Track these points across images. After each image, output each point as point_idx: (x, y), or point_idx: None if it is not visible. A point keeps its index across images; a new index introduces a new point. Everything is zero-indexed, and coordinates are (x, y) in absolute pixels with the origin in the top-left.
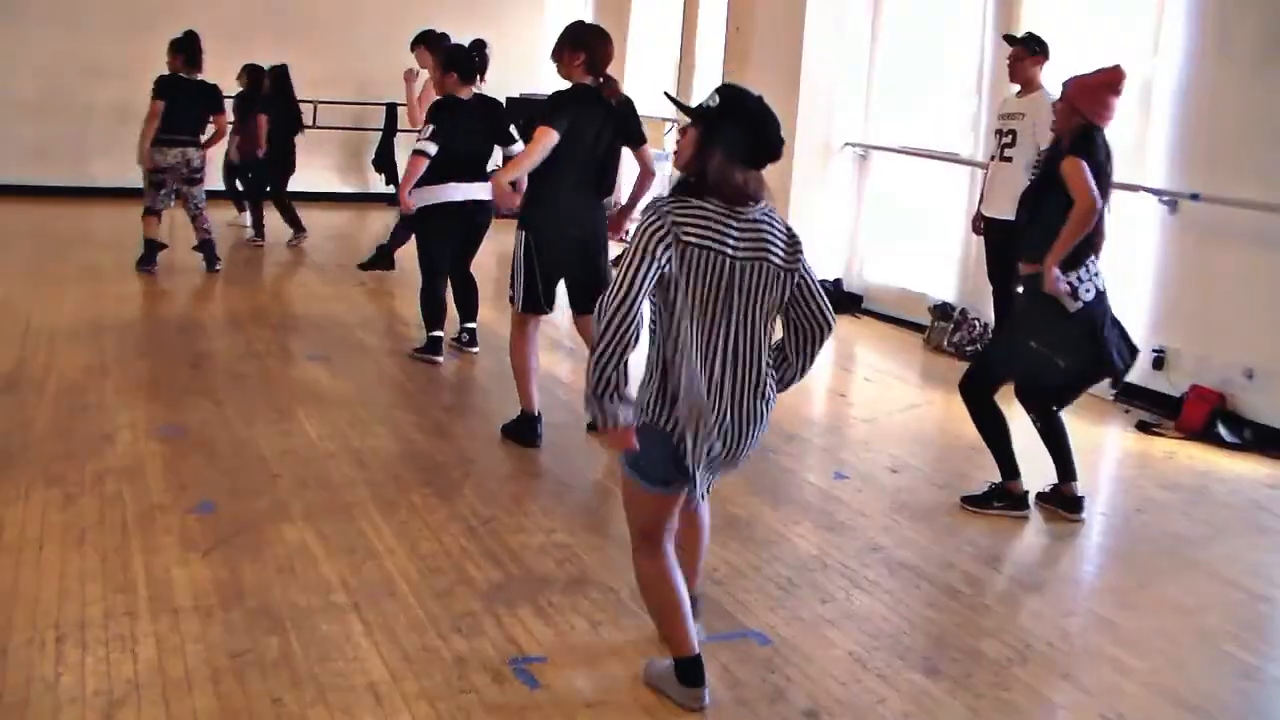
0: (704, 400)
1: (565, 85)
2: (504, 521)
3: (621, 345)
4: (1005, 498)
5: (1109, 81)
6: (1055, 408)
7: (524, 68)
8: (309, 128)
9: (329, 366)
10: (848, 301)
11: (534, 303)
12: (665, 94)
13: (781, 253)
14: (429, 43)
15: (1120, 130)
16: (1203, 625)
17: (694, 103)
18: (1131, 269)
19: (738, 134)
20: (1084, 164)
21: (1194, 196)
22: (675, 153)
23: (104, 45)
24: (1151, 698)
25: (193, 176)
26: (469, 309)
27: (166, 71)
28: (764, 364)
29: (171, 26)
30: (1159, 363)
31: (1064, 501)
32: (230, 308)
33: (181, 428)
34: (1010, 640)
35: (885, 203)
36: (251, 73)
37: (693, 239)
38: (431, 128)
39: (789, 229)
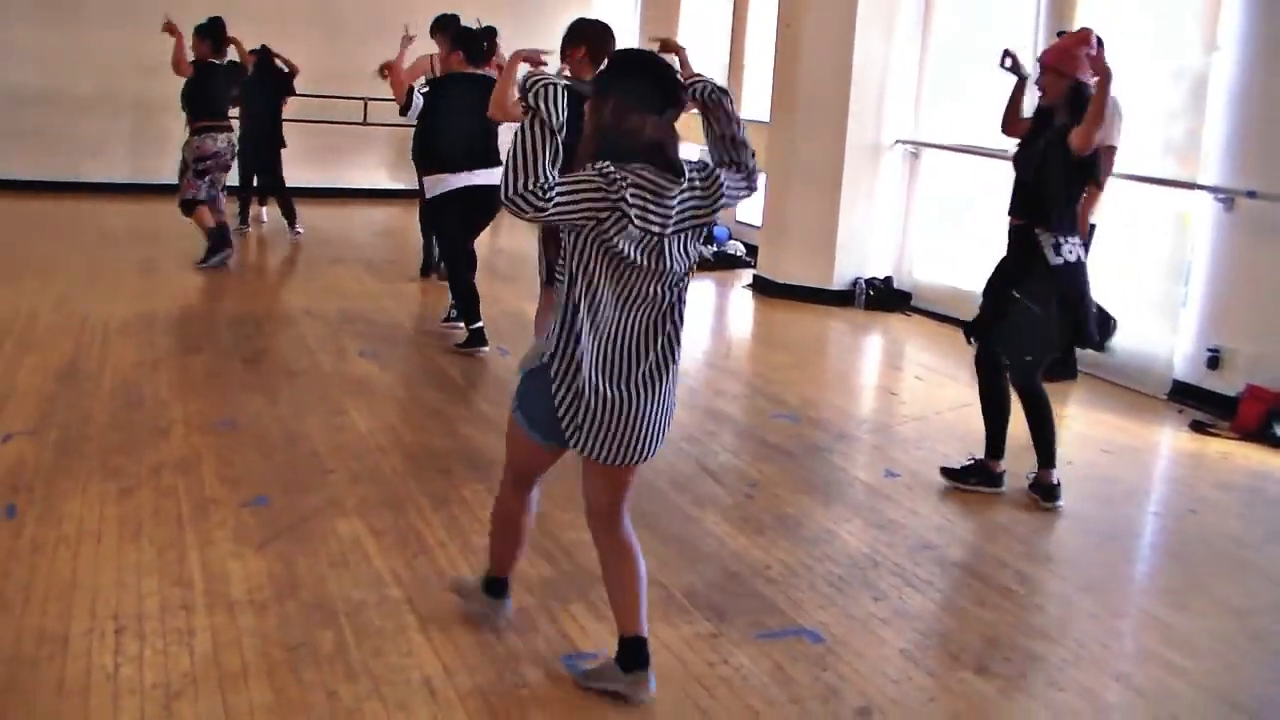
0: (601, 380)
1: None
2: (556, 517)
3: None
4: (981, 474)
5: (1079, 39)
6: (1040, 379)
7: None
8: (362, 124)
9: (380, 362)
10: (897, 299)
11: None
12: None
13: (703, 205)
14: (445, 28)
15: (1174, 127)
16: (1257, 627)
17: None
18: (1185, 267)
19: (626, 81)
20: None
21: (1250, 194)
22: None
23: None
24: (1205, 700)
25: (229, 163)
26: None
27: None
28: (674, 336)
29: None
30: (1214, 362)
31: (1042, 490)
32: (284, 303)
33: (234, 422)
34: (1063, 640)
35: (936, 200)
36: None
37: (634, 210)
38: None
39: (701, 164)
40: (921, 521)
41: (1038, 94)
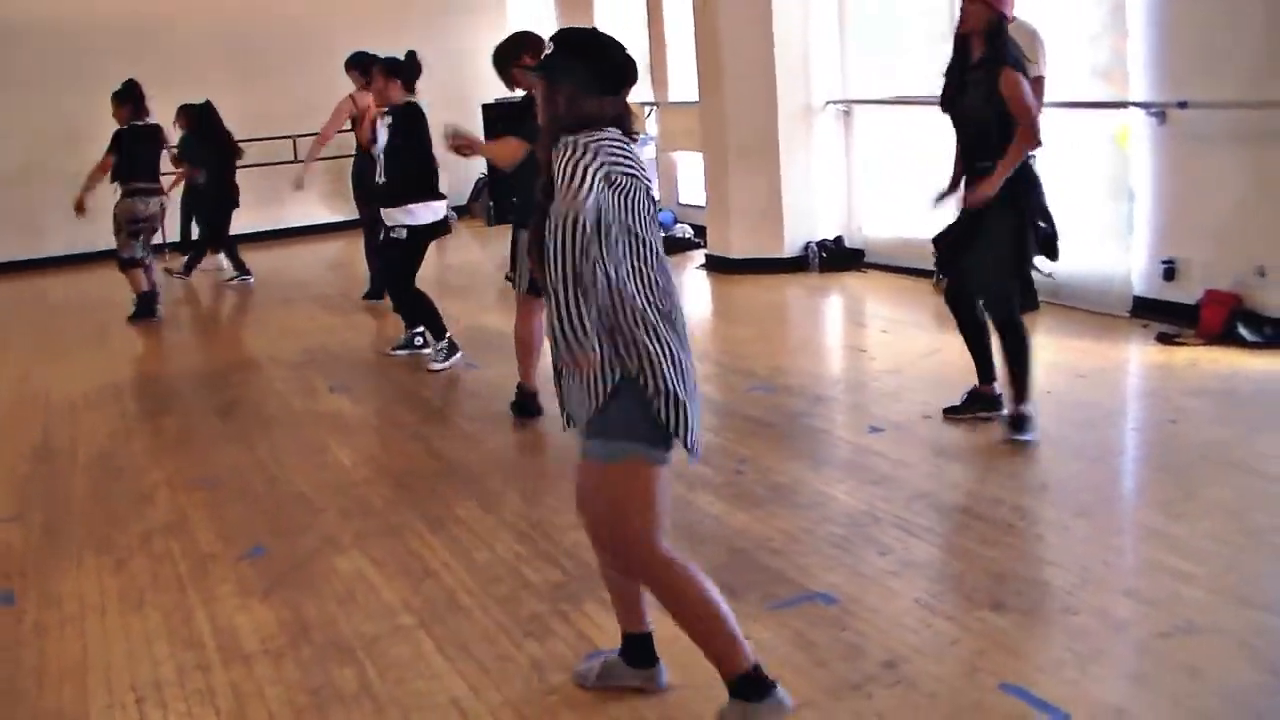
0: (669, 341)
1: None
2: (552, 522)
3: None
4: (980, 400)
5: None
6: (1018, 310)
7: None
8: (294, 161)
9: (351, 395)
10: (850, 257)
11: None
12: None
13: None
14: (360, 63)
15: (1098, 49)
16: (1253, 524)
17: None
18: (1128, 184)
19: (577, 65)
20: (1021, 79)
21: (1182, 104)
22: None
23: (63, 108)
24: (1217, 601)
25: (159, 224)
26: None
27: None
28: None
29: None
30: (1170, 274)
31: (1015, 422)
32: (245, 350)
33: (217, 477)
34: (1069, 565)
35: (874, 155)
36: (189, 113)
37: (619, 168)
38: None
39: None
40: (912, 472)
41: (956, 21)
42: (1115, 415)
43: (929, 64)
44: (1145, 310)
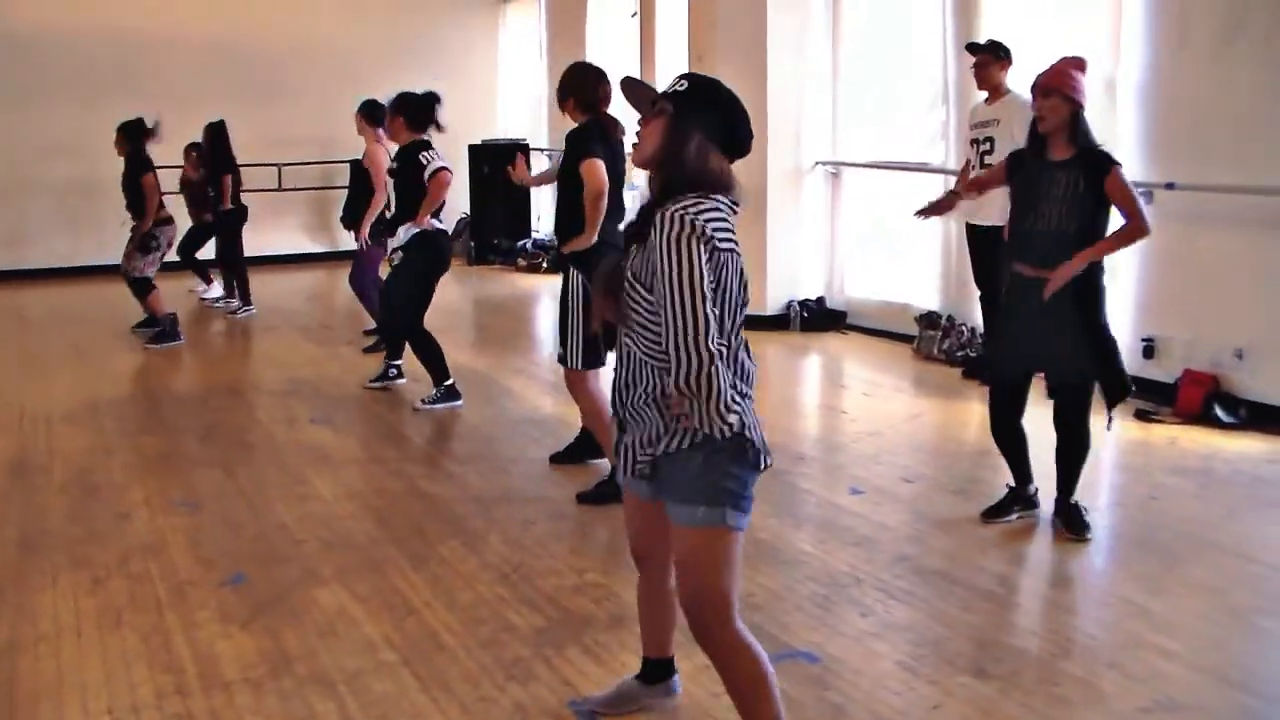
0: (750, 389)
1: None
2: (534, 566)
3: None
4: (1021, 500)
5: (1075, 63)
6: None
7: (484, 115)
8: (274, 190)
9: (333, 428)
10: (831, 318)
11: (597, 355)
12: (625, 77)
13: None
14: (365, 112)
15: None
16: (1232, 603)
17: None
18: (1115, 261)
19: (713, 117)
20: (1124, 176)
21: (1169, 185)
22: (635, 145)
23: (56, 122)
24: (1198, 679)
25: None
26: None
27: (122, 154)
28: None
29: (125, 98)
30: (1149, 351)
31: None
32: (224, 377)
33: (197, 501)
34: (1051, 636)
35: (861, 218)
36: (200, 156)
37: (726, 243)
38: (433, 151)
39: None
40: (893, 535)
41: (1036, 119)
42: (1096, 487)
43: (919, 131)
44: None
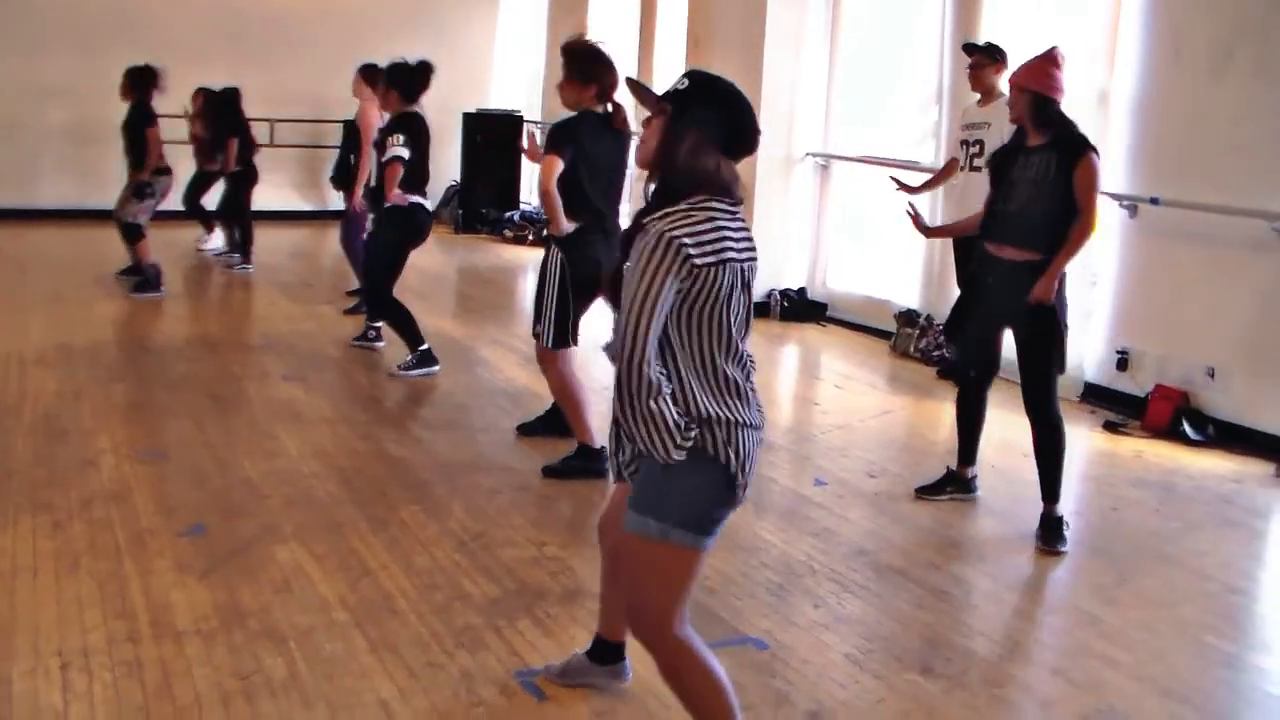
0: (744, 408)
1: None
2: (494, 535)
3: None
4: (957, 482)
5: (1046, 56)
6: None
7: (477, 84)
8: (266, 146)
9: (305, 386)
10: (811, 309)
11: (567, 336)
12: (628, 79)
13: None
14: (365, 74)
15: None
16: (1181, 617)
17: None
18: (1094, 272)
19: (711, 116)
20: (1097, 166)
21: (1154, 200)
22: (639, 147)
23: (57, 67)
24: (1139, 689)
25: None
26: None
27: (127, 100)
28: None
29: (125, 47)
30: (1123, 364)
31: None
32: (201, 329)
33: (164, 451)
34: (1000, 638)
35: (847, 212)
36: (207, 100)
37: (707, 259)
38: (403, 137)
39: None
40: (853, 528)
41: (1006, 114)
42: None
43: (911, 129)
44: (1094, 397)
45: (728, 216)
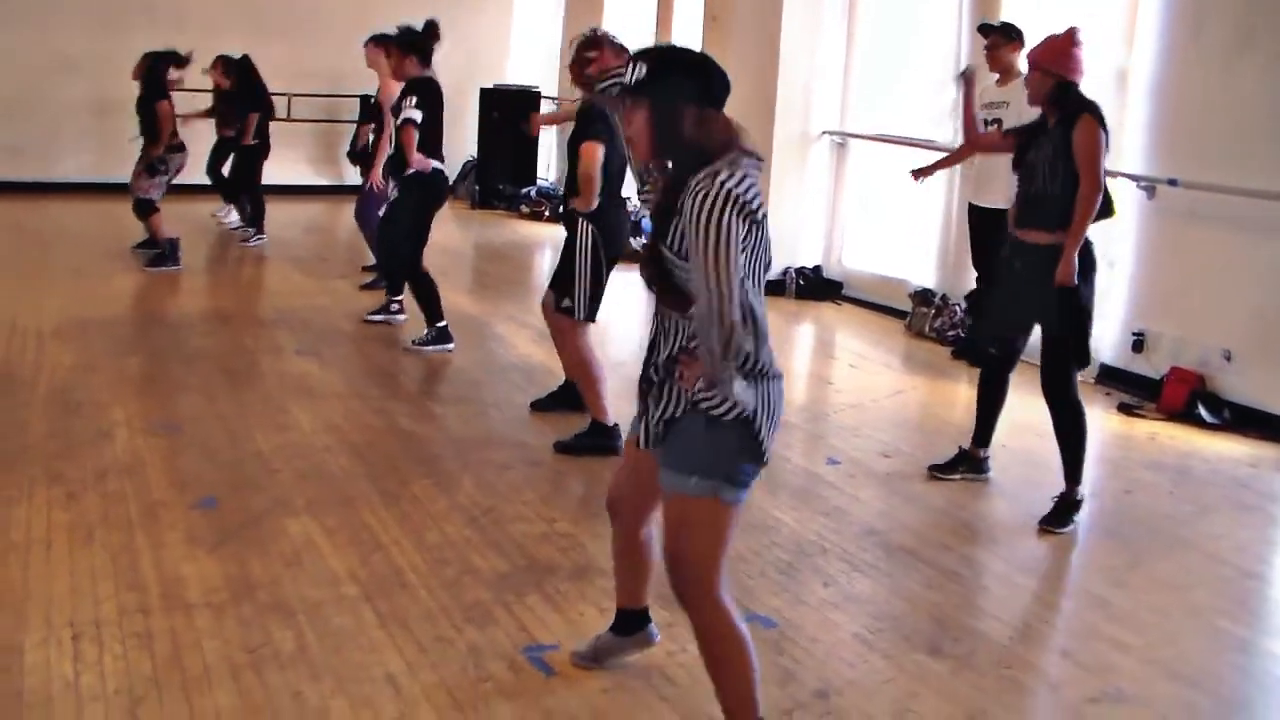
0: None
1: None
2: (504, 511)
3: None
4: (969, 462)
5: (1065, 37)
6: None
7: (495, 60)
8: (283, 120)
9: (319, 360)
10: (827, 288)
11: (597, 309)
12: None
13: None
14: (379, 42)
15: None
16: (1193, 601)
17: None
18: (1111, 253)
19: (688, 82)
20: (1100, 133)
21: (1172, 182)
22: (631, 146)
23: (76, 42)
24: (1148, 672)
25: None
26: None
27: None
28: None
29: (144, 21)
30: (1139, 346)
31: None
32: (216, 303)
33: (177, 424)
34: (1009, 620)
35: (863, 190)
36: (227, 65)
37: (758, 212)
38: (415, 99)
39: None
40: (865, 508)
41: (1024, 94)
42: None
43: (929, 108)
44: (1110, 379)
45: (757, 175)
